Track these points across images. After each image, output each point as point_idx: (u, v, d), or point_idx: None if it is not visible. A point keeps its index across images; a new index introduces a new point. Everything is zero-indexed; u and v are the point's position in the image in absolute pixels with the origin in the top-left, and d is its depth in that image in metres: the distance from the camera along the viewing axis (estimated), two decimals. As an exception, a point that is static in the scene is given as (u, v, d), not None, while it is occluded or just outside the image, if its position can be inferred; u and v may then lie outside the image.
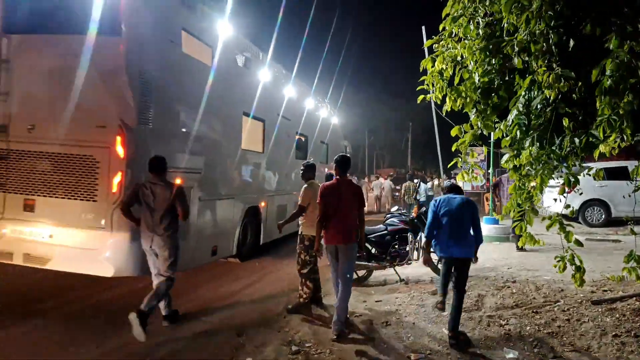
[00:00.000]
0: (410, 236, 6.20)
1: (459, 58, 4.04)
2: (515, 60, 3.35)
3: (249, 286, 6.04)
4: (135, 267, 4.69)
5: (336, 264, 4.45)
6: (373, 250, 6.26)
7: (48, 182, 4.94)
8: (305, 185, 5.11)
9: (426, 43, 4.51)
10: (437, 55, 4.16)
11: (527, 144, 3.65)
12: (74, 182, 4.84)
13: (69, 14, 4.85)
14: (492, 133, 4.37)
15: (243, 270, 6.84)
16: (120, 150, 4.67)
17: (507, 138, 3.80)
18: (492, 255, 7.67)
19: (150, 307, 4.06)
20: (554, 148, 3.59)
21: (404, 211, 6.78)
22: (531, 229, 4.08)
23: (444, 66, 4.10)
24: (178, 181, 4.90)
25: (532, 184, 3.98)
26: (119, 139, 4.66)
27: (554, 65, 3.16)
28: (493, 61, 3.71)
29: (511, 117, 3.63)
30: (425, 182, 16.22)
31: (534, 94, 3.46)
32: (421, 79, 4.52)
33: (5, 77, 5.02)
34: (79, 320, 4.51)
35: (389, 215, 6.67)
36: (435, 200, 4.35)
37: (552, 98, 3.19)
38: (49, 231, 4.89)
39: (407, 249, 6.16)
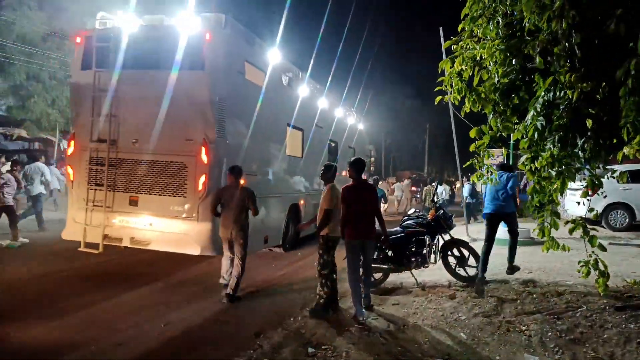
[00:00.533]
0: (427, 239, 6.13)
1: (478, 58, 3.99)
2: (537, 61, 3.29)
3: (291, 272, 7.16)
4: (215, 248, 6.05)
5: (359, 259, 4.94)
6: (389, 253, 6.21)
7: (148, 182, 6.39)
8: (330, 188, 5.09)
9: (445, 44, 4.48)
10: (456, 56, 4.12)
11: (547, 145, 3.58)
12: (168, 183, 6.28)
13: (164, 55, 6.21)
14: (511, 134, 4.31)
15: (286, 259, 8.05)
16: (204, 158, 6.08)
17: (526, 140, 3.74)
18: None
19: (235, 284, 5.36)
20: (576, 150, 3.51)
21: (421, 213, 6.70)
22: (555, 233, 4.00)
23: (463, 67, 4.06)
24: (242, 182, 5.77)
25: (554, 186, 3.90)
26: (203, 149, 6.08)
27: (577, 65, 3.09)
28: (513, 62, 3.66)
29: (529, 117, 3.57)
30: (441, 184, 16.19)
31: (555, 94, 3.40)
32: (439, 79, 4.49)
33: (112, 103, 6.42)
34: (173, 288, 5.92)
35: (405, 218, 6.61)
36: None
37: (574, 98, 3.12)
38: (149, 220, 6.37)
39: (424, 252, 6.09)
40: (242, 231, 5.46)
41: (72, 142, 6.83)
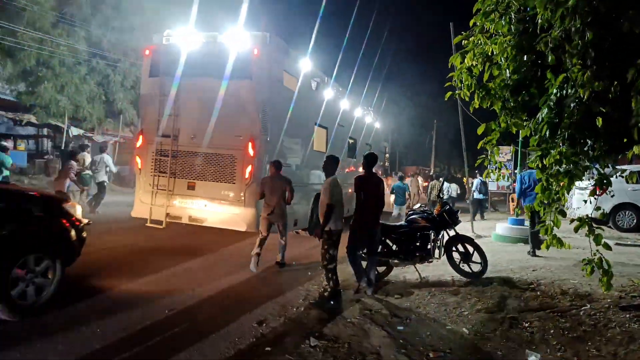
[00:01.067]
0: (432, 234, 6.13)
1: (489, 54, 3.96)
2: (549, 58, 3.26)
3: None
4: (257, 227, 7.08)
5: (362, 246, 5.70)
6: (394, 247, 6.23)
7: (204, 171, 7.61)
8: (330, 182, 5.16)
9: (455, 39, 4.44)
10: (466, 52, 4.09)
11: (557, 142, 3.56)
12: (220, 171, 7.51)
13: (218, 66, 7.25)
14: (519, 131, 4.28)
15: (309, 240, 9.07)
16: (250, 151, 7.26)
17: (536, 137, 3.71)
18: (517, 256, 7.52)
19: (282, 255, 6.74)
20: (585, 148, 3.49)
21: (427, 208, 6.70)
22: (558, 231, 3.98)
23: (473, 62, 4.03)
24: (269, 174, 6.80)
25: (561, 184, 3.87)
26: (250, 144, 7.25)
27: (589, 63, 3.07)
28: (525, 58, 3.62)
29: (541, 114, 3.55)
30: (449, 181, 16.28)
31: (567, 92, 3.37)
32: (449, 75, 4.46)
33: (175, 105, 7.63)
34: (222, 257, 7.32)
35: (410, 212, 6.61)
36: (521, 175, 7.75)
37: (585, 97, 3.10)
38: (204, 202, 7.59)
39: (429, 247, 6.10)
40: (283, 214, 6.55)
41: (141, 137, 8.09)
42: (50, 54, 15.04)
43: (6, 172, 8.81)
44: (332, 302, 5.01)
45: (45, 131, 20.58)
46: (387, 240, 6.24)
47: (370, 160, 5.70)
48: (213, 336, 3.96)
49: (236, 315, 4.54)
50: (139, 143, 8.11)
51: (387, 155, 19.02)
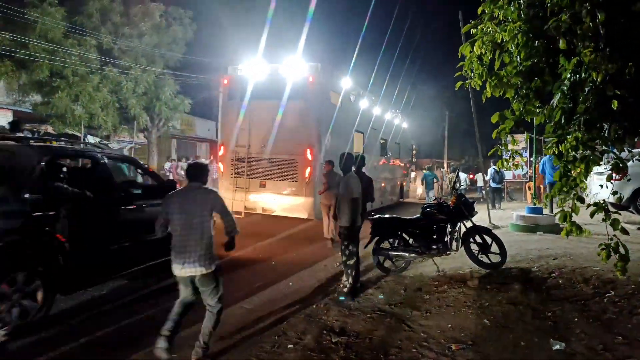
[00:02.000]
0: (448, 226, 6.09)
1: (499, 41, 3.90)
2: (560, 42, 3.20)
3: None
4: (315, 215, 9.25)
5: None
6: (410, 241, 6.21)
7: (272, 172, 9.76)
8: (353, 177, 5.35)
9: (464, 28, 4.38)
10: (475, 40, 4.03)
11: (572, 128, 3.49)
12: (285, 172, 9.68)
13: (281, 90, 9.38)
14: (534, 119, 4.22)
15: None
16: (309, 156, 9.40)
17: (551, 123, 3.65)
18: (536, 245, 7.42)
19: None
20: (602, 133, 3.42)
21: (442, 201, 6.65)
22: (577, 218, 3.91)
23: (483, 51, 3.98)
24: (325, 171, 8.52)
25: (577, 170, 3.80)
26: (308, 150, 9.40)
27: (601, 46, 3.00)
28: (536, 43, 3.56)
29: (555, 100, 3.49)
30: (465, 172, 16.76)
31: (580, 76, 3.30)
32: (459, 64, 4.41)
33: (247, 121, 9.85)
34: (290, 238, 9.13)
35: (426, 205, 6.57)
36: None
37: (599, 80, 3.03)
38: (273, 197, 9.71)
39: (446, 239, 6.06)
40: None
41: (222, 147, 10.33)
42: (63, 64, 15.31)
43: None
44: (351, 299, 5.02)
45: (62, 142, 20.96)
46: (404, 234, 6.23)
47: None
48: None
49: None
50: (220, 152, 10.35)
51: (415, 152, 21.11)
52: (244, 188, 9.89)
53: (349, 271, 5.16)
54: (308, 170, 9.37)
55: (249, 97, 9.74)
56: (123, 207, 5.09)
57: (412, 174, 21.27)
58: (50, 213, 4.17)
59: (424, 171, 16.60)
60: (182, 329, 3.61)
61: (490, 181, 14.65)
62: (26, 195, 4.04)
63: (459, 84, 4.52)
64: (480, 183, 16.92)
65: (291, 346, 3.81)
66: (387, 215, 6.53)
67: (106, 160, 5.25)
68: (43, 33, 14.81)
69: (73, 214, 4.33)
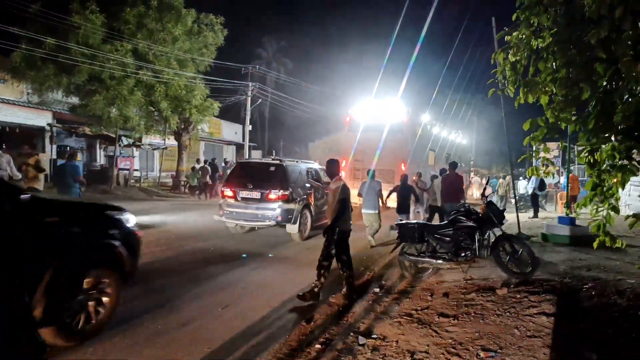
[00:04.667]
0: (477, 234, 6.04)
1: (534, 49, 3.89)
2: (598, 50, 3.18)
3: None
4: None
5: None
6: (438, 247, 6.19)
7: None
8: (343, 182, 5.63)
9: (497, 35, 4.38)
10: (510, 47, 4.03)
11: (608, 137, 3.45)
12: (386, 178, 14.00)
13: (385, 124, 14.02)
14: (567, 127, 4.17)
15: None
16: (402, 168, 13.88)
17: (585, 132, 3.60)
18: (568, 255, 7.25)
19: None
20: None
21: (470, 207, 6.59)
22: (610, 228, 3.84)
23: (517, 57, 3.97)
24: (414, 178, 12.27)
25: (613, 180, 3.73)
26: (402, 163, 14.40)
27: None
28: (573, 51, 3.54)
29: (591, 108, 3.45)
30: (496, 179, 18.21)
31: (618, 84, 3.26)
32: (492, 71, 4.41)
33: (361, 144, 14.49)
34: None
35: (453, 212, 6.53)
36: None
37: (638, 89, 3.00)
38: None
39: (474, 246, 6.01)
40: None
41: (344, 160, 14.06)
42: (101, 69, 15.94)
43: (76, 187, 9.08)
44: (313, 300, 5.18)
45: (97, 142, 21.80)
46: (431, 241, 6.22)
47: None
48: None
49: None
50: (343, 164, 13.66)
51: (472, 162, 27.78)
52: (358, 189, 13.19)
53: (322, 271, 5.33)
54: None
55: (363, 128, 14.65)
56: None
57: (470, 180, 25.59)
58: None
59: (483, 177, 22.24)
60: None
61: (534, 189, 14.47)
62: None
63: (491, 91, 4.51)
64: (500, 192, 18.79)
65: (318, 346, 3.88)
66: (413, 221, 6.54)
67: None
68: (84, 39, 15.48)
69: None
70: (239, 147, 32.24)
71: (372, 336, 4.11)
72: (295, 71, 38.03)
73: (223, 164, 22.69)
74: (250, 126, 28.77)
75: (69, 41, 15.28)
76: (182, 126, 20.19)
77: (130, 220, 4.40)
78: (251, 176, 9.46)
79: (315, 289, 5.22)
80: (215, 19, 19.68)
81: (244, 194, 9.25)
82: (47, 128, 18.85)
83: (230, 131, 32.54)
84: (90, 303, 3.79)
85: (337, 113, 29.38)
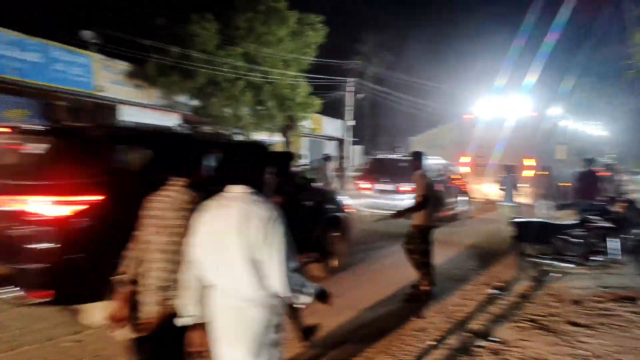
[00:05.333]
0: (612, 235, 5.32)
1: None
2: None
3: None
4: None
5: None
6: (564, 250, 5.57)
7: (500, 173, 10.94)
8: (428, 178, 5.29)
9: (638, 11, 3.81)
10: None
11: None
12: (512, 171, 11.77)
13: (503, 120, 13.47)
14: None
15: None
16: (534, 163, 12.28)
17: None
18: None
19: None
20: None
21: (605, 206, 5.81)
22: None
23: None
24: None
25: None
26: (530, 158, 12.41)
27: None
28: None
29: None
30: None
31: None
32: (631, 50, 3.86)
33: (481, 141, 13.64)
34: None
35: (584, 209, 5.82)
36: None
37: None
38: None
39: (609, 250, 5.30)
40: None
41: (468, 158, 14.00)
42: (218, 72, 17.41)
43: None
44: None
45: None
46: (555, 242, 5.63)
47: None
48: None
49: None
50: (467, 160, 14.01)
51: (609, 155, 23.60)
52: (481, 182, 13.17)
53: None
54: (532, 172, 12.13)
55: (481, 125, 13.95)
56: None
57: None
58: None
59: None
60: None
61: None
62: None
63: (632, 72, 3.96)
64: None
65: (433, 342, 3.79)
66: (535, 219, 6.00)
67: None
68: (201, 46, 17.06)
69: None
70: (340, 142, 32.72)
71: (489, 338, 3.89)
72: (395, 66, 37.13)
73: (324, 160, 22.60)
74: (354, 121, 29.09)
75: (189, 49, 16.94)
76: (287, 123, 21.14)
77: (344, 201, 6.55)
78: (385, 171, 10.82)
79: (421, 287, 5.05)
80: (316, 18, 20.18)
81: (379, 186, 10.60)
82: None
83: (331, 127, 33.18)
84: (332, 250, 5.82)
85: (439, 107, 28.60)
